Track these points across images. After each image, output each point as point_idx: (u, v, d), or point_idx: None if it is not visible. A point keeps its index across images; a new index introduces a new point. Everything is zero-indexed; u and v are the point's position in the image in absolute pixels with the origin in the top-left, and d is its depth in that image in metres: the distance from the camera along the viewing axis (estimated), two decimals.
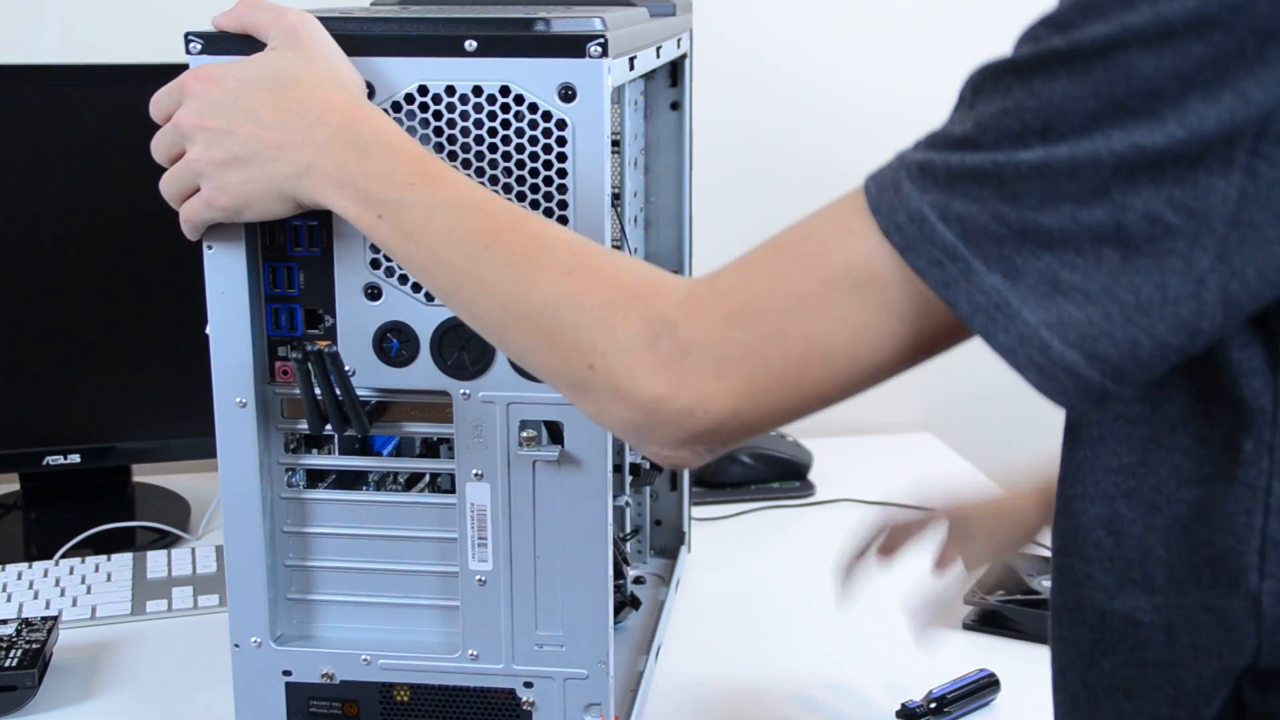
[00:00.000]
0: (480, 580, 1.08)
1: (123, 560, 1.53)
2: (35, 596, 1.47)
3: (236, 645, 1.13)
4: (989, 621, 1.44)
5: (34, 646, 1.31)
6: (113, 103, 1.53)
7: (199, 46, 1.02)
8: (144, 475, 1.72)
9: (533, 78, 1.00)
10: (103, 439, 1.64)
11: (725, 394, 0.79)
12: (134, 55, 1.59)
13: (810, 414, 0.80)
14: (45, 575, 1.51)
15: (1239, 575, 0.75)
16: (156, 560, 1.51)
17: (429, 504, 1.11)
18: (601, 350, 0.83)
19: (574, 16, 1.03)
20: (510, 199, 1.03)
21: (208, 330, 1.08)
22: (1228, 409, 0.74)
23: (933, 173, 0.72)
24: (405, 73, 1.01)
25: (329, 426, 1.07)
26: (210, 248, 1.05)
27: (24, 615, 1.42)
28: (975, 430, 1.93)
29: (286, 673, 1.12)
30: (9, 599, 1.47)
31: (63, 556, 1.55)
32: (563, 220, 1.02)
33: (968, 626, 1.45)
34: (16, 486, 1.72)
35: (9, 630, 1.33)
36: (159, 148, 1.02)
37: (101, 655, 1.38)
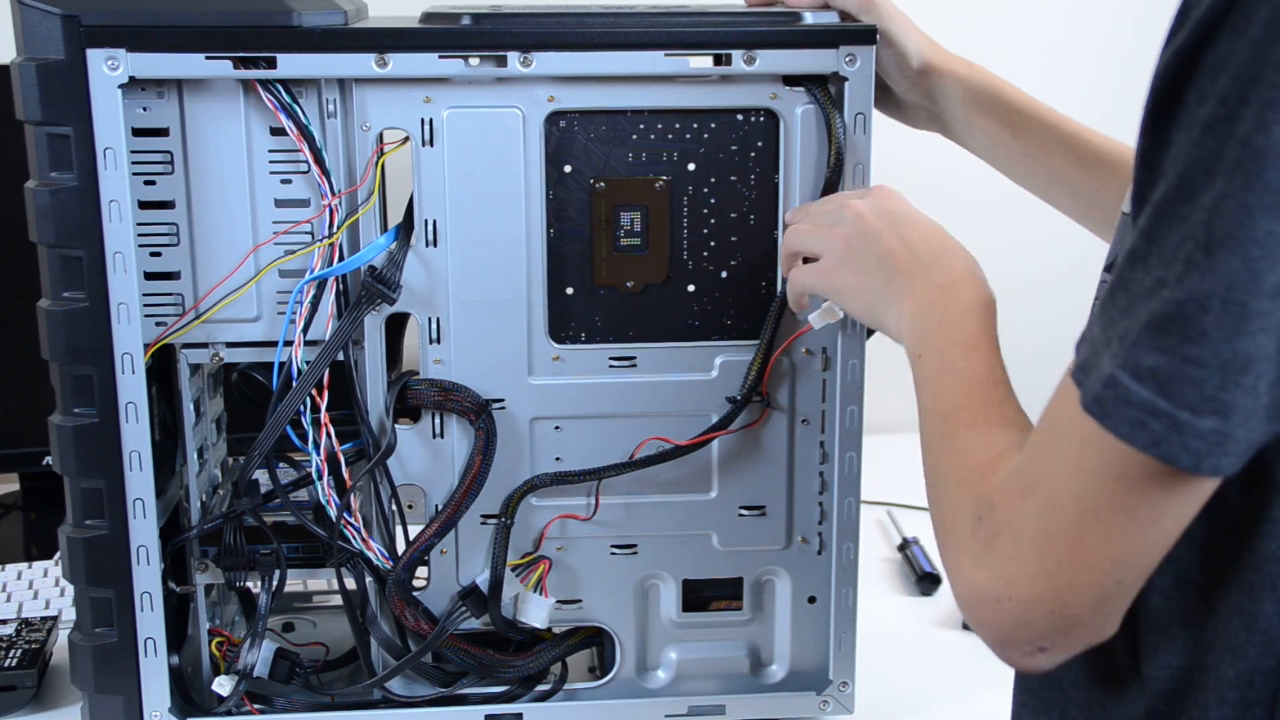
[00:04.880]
0: None
1: None
2: (35, 596, 1.49)
3: None
4: None
5: (34, 646, 1.34)
6: None
7: None
8: None
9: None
10: None
11: (1022, 575, 0.78)
12: None
13: (1119, 595, 0.78)
14: (45, 575, 1.53)
15: (1276, 579, 0.80)
16: None
17: None
18: (950, 529, 0.86)
19: None
20: None
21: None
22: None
23: (1125, 337, 0.72)
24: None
25: None
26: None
27: (24, 615, 1.45)
28: None
29: None
30: (9, 599, 1.49)
31: None
32: None
33: (968, 626, 1.45)
34: (16, 486, 1.75)
35: (9, 630, 1.36)
36: (820, 212, 1.14)
37: None
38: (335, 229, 1.20)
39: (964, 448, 0.89)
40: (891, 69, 1.28)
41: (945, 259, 1.03)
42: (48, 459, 1.25)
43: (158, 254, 1.21)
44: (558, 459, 1.28)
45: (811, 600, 1.32)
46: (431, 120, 1.20)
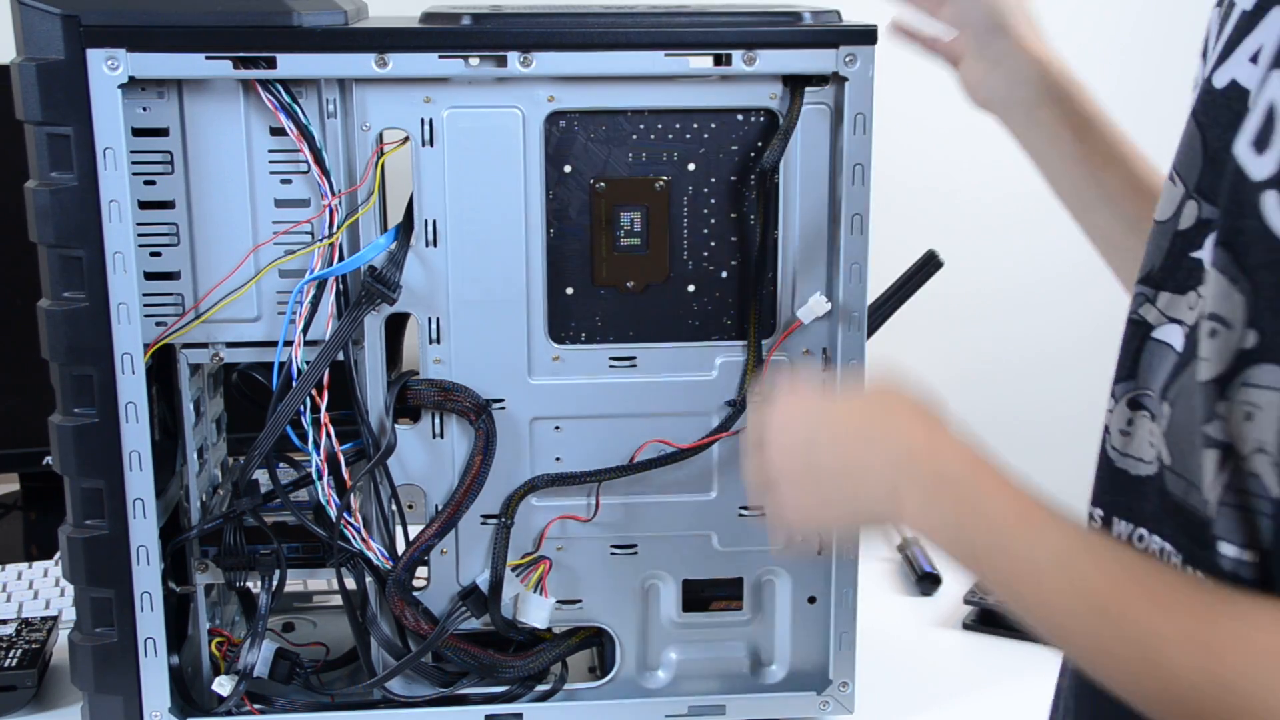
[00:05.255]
0: None
1: None
2: (35, 596, 1.49)
3: None
4: (989, 621, 1.45)
5: (34, 646, 1.34)
6: None
7: None
8: None
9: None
10: None
11: None
12: None
13: None
14: (45, 575, 1.52)
15: None
16: None
17: None
18: None
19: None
20: None
21: None
22: None
23: None
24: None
25: None
26: None
27: (24, 615, 1.44)
28: (975, 431, 1.93)
29: None
30: (9, 599, 1.48)
31: None
32: None
33: (968, 626, 1.45)
34: (16, 486, 1.74)
35: (9, 630, 1.36)
36: (752, 470, 1.00)
37: None
38: (335, 229, 1.20)
39: (1209, 634, 0.75)
40: (978, 22, 1.21)
41: (891, 423, 0.92)
42: (48, 459, 1.24)
43: (158, 254, 1.21)
44: (558, 459, 1.28)
45: (811, 600, 1.32)
46: (431, 120, 1.19)
